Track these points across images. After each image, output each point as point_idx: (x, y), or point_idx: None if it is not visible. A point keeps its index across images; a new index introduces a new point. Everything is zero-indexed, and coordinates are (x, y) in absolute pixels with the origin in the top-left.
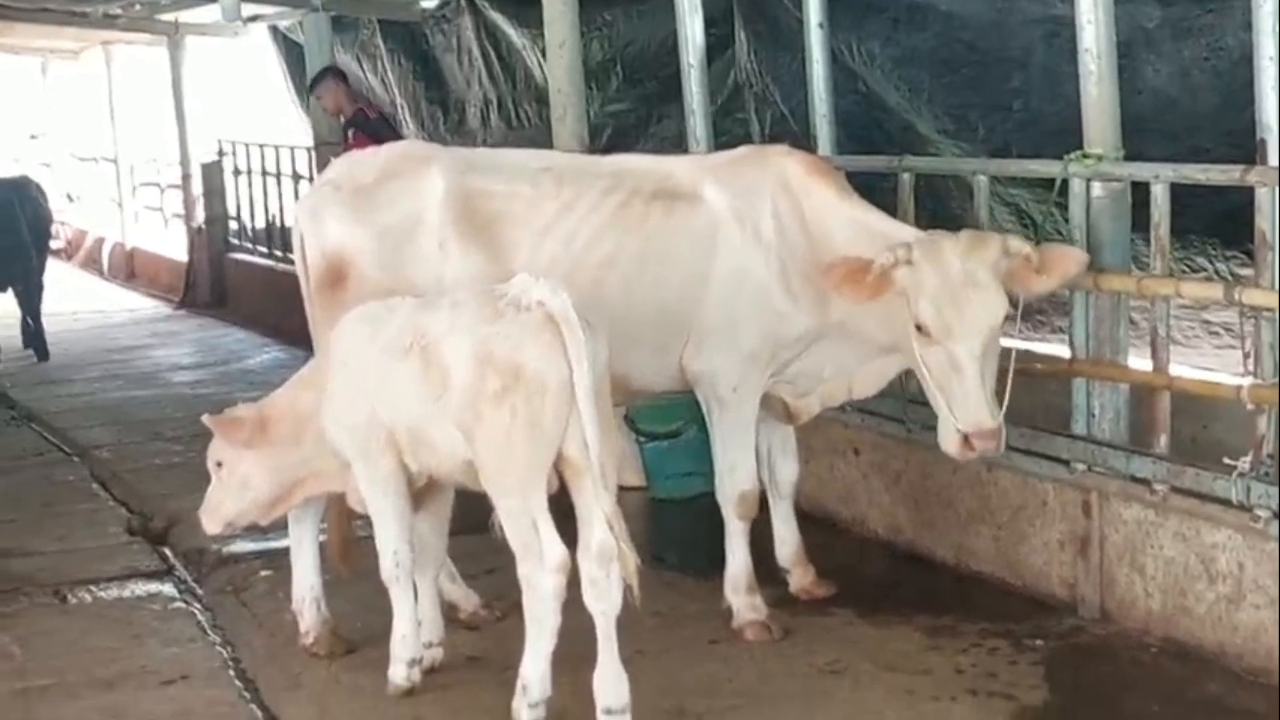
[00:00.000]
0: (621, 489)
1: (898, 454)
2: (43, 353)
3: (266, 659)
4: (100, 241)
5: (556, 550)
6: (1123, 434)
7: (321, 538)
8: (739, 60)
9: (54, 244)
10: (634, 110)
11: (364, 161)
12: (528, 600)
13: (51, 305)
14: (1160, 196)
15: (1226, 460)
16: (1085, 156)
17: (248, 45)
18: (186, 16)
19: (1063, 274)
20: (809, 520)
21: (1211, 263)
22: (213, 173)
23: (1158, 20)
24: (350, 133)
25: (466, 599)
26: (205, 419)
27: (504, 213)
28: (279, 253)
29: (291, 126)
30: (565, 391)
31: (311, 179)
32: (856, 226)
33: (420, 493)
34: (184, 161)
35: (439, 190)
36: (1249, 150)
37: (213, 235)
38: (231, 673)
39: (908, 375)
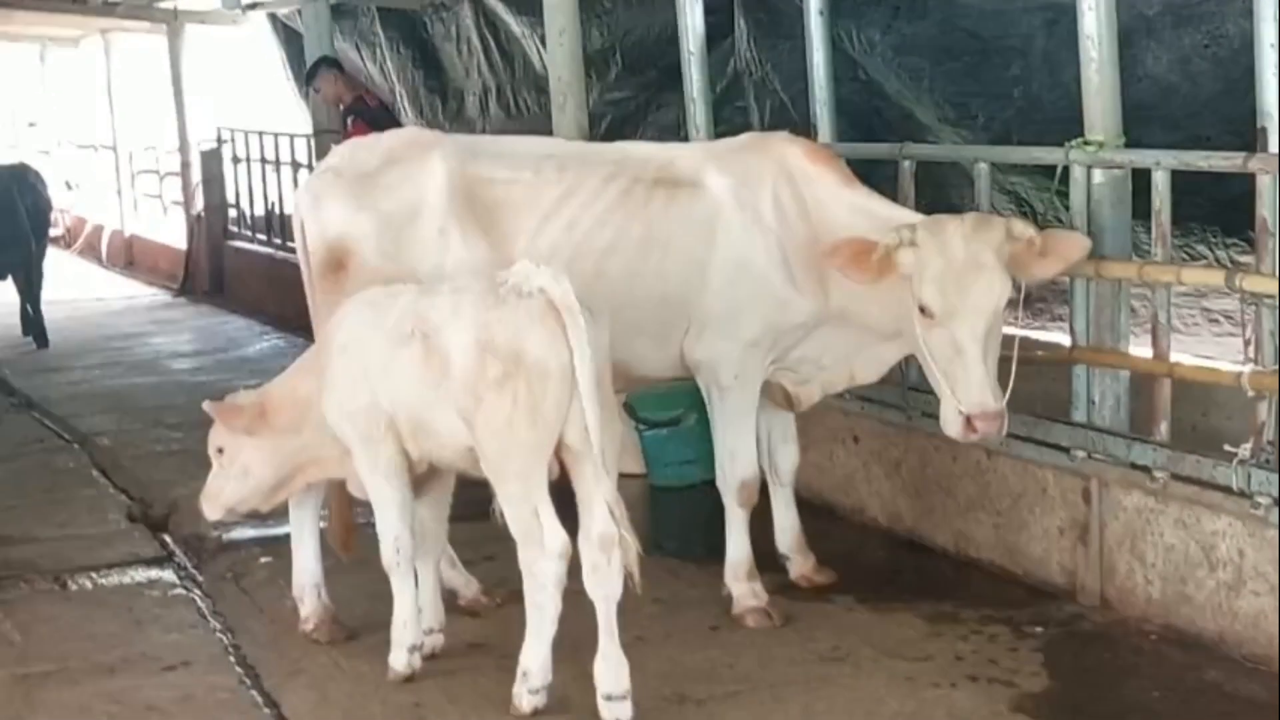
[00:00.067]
0: (621, 476)
1: (897, 441)
2: (42, 340)
3: (267, 645)
4: (99, 229)
5: (558, 536)
6: (1123, 421)
7: (322, 524)
8: (738, 48)
9: (53, 232)
10: (633, 98)
11: (365, 148)
12: (529, 586)
13: (51, 293)
14: (1161, 183)
15: (1227, 447)
16: (1086, 143)
17: (247, 33)
18: (185, 4)
19: (1065, 258)
20: (808, 508)
21: (1211, 250)
22: (212, 160)
23: (1158, 7)
24: (349, 120)
25: (466, 585)
26: (206, 406)
27: (505, 200)
28: (278, 240)
29: (291, 114)
30: (566, 378)
31: (311, 167)
32: (859, 212)
33: (421, 479)
34: (183, 149)
35: (440, 177)
36: (1249, 138)
37: (212, 223)
38: (232, 659)
39: (908, 362)
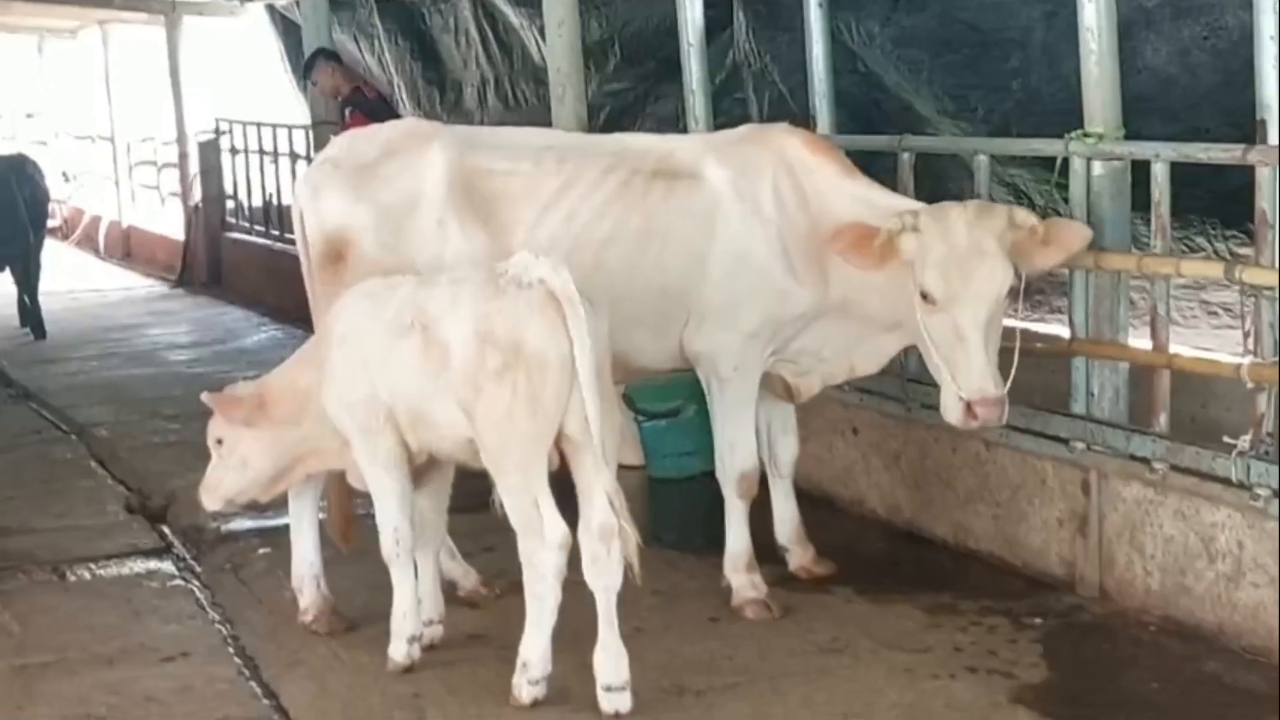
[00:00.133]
0: (619, 468)
1: (896, 433)
2: (40, 331)
3: (266, 636)
4: (97, 220)
5: (557, 527)
6: (1122, 413)
7: (321, 516)
8: (737, 40)
9: (50, 223)
10: (631, 90)
11: (364, 139)
12: (528, 577)
13: (48, 284)
14: (1160, 175)
15: (1226, 439)
16: (1086, 135)
17: (245, 24)
18: None
19: (1067, 248)
20: (807, 499)
21: (1210, 242)
22: (209, 152)
23: None
24: (347, 112)
25: (466, 576)
26: (205, 397)
27: (505, 191)
28: (276, 232)
29: (289, 106)
30: (566, 369)
31: (309, 158)
32: (859, 202)
33: (420, 470)
34: (181, 140)
35: (439, 168)
36: (1249, 130)
37: (209, 214)
38: (231, 650)
39: (907, 354)
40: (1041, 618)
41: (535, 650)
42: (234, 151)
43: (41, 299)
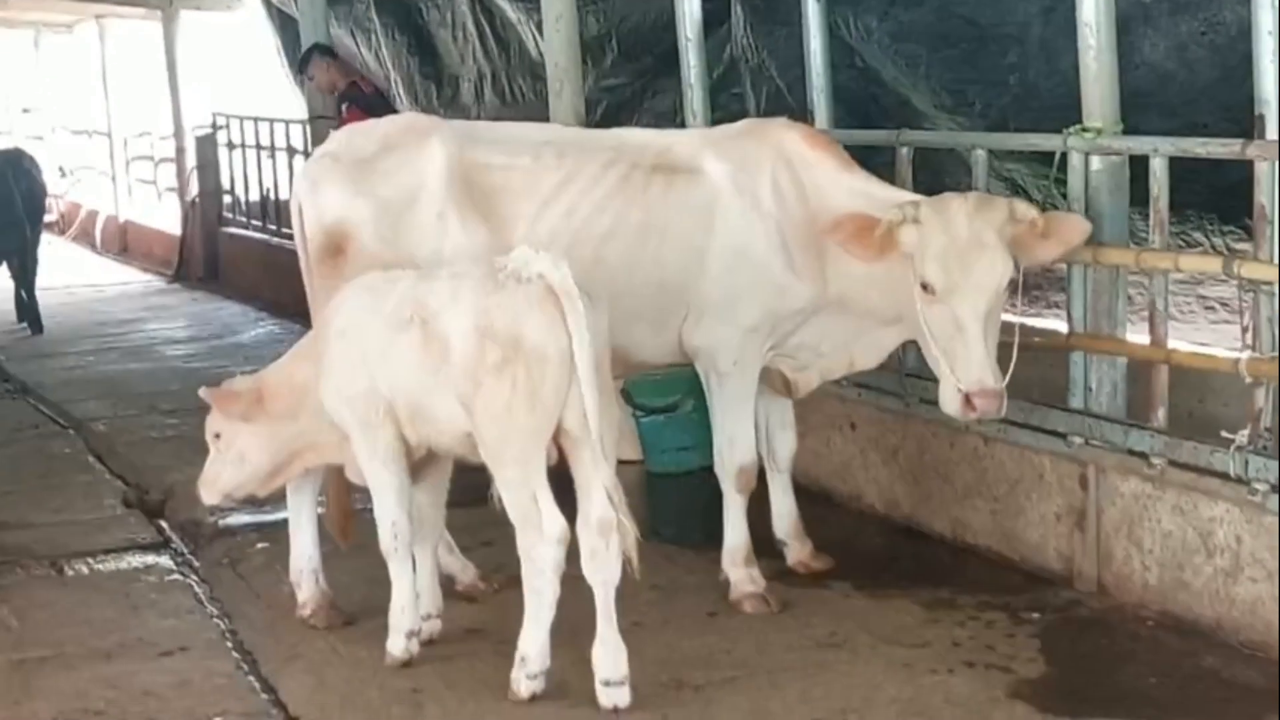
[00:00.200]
0: (618, 463)
1: (894, 428)
2: (37, 326)
3: (264, 630)
4: (94, 215)
5: (556, 522)
6: (1120, 408)
7: (320, 510)
8: (734, 35)
9: (47, 218)
10: (629, 85)
11: (364, 133)
12: (527, 572)
13: (45, 279)
14: (1159, 170)
15: (1224, 434)
16: (1085, 130)
17: (242, 19)
18: None
19: (1067, 241)
20: (805, 494)
21: (1208, 237)
22: (206, 146)
23: None
24: (344, 107)
25: (464, 571)
26: (202, 392)
27: (504, 185)
28: (273, 227)
29: (287, 100)
30: (565, 363)
31: (306, 153)
32: (858, 196)
33: (419, 464)
34: (178, 135)
35: (439, 162)
36: (1247, 124)
37: (206, 209)
38: (229, 644)
39: (905, 349)
40: (1039, 613)
41: (534, 645)
42: (231, 146)
43: (38, 294)
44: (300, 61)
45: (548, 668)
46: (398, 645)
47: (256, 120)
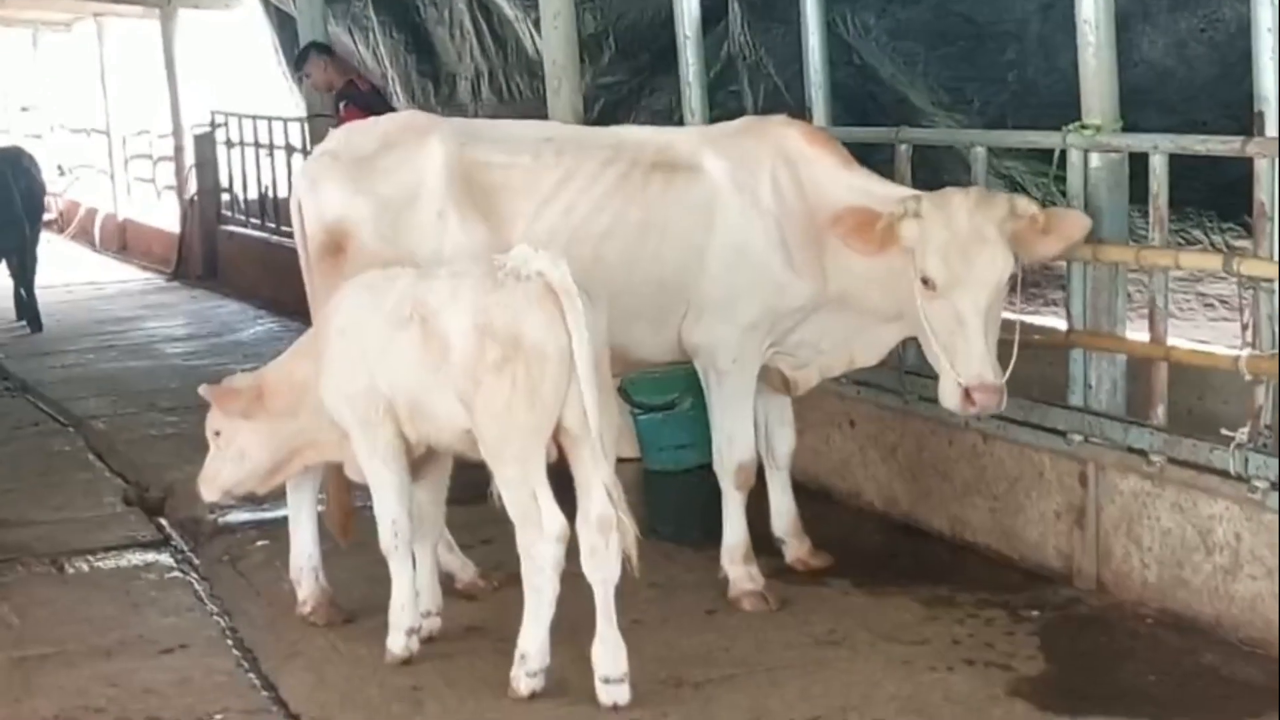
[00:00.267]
0: (616, 461)
1: (893, 426)
2: (36, 324)
3: (264, 628)
4: (92, 213)
5: (556, 520)
6: (1119, 405)
7: (320, 508)
8: (732, 32)
9: (46, 216)
10: (625, 83)
11: (363, 131)
12: (526, 570)
13: (44, 277)
14: (1159, 167)
15: (1224, 431)
16: (1084, 127)
17: (240, 17)
18: None
19: (1068, 237)
20: (804, 492)
21: (1207, 235)
22: (205, 144)
23: None
24: (341, 105)
25: (463, 568)
26: (202, 390)
27: (503, 184)
28: (272, 225)
29: (285, 99)
30: (565, 361)
31: (305, 151)
32: (858, 193)
33: (419, 462)
34: (176, 133)
35: (438, 161)
36: (1246, 122)
37: (205, 207)
38: (229, 642)
39: (905, 346)
40: (1039, 610)
41: (533, 642)
42: (230, 144)
43: (38, 292)
44: (297, 59)
45: (547, 665)
46: (398, 643)
47: (255, 118)
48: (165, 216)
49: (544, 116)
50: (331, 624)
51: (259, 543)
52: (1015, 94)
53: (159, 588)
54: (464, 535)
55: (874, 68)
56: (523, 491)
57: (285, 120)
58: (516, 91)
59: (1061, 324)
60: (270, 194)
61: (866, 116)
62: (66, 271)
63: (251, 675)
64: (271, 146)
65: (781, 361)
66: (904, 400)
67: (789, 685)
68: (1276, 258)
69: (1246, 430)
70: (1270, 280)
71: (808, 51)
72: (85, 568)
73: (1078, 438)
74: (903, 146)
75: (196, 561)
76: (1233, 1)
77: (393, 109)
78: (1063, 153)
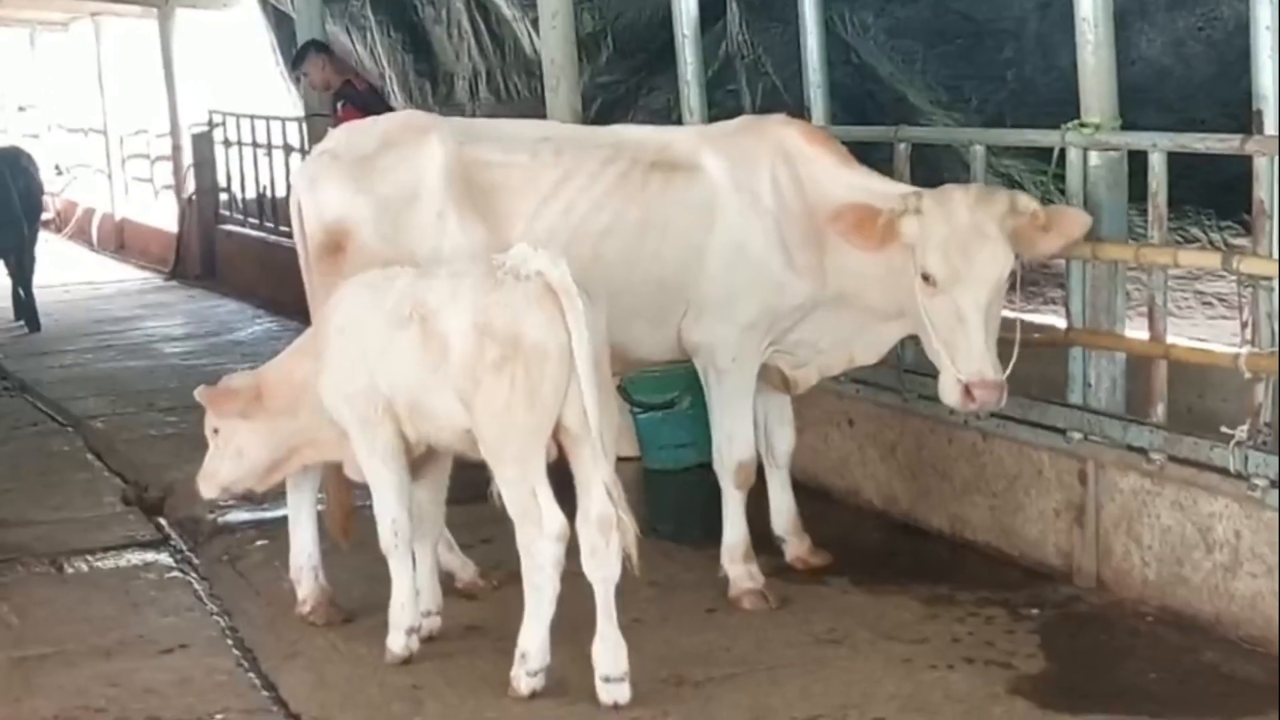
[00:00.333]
0: (616, 459)
1: (892, 424)
2: (34, 324)
3: (264, 628)
4: (90, 213)
5: (556, 518)
6: (1119, 403)
7: (320, 507)
8: (730, 31)
9: (44, 216)
10: (623, 82)
11: (363, 131)
12: (527, 569)
13: (42, 277)
14: (1158, 165)
15: (1224, 429)
16: (1083, 125)
17: (238, 17)
18: None
19: (1068, 234)
20: (803, 491)
21: (1205, 233)
22: (203, 144)
23: None
24: (339, 105)
25: (463, 568)
26: (198, 393)
27: (503, 183)
28: (270, 224)
29: (283, 98)
30: (564, 360)
31: (303, 150)
32: (858, 191)
33: (418, 461)
34: (174, 133)
35: (438, 160)
36: (1244, 120)
37: (203, 207)
38: (229, 641)
39: (903, 345)
40: (1039, 608)
41: (534, 641)
42: (227, 144)
43: (36, 292)
44: (296, 57)
45: (548, 664)
46: (398, 642)
47: (253, 118)
48: (163, 216)
49: (542, 116)
50: (331, 623)
51: (258, 542)
52: (1014, 92)
53: (158, 587)
54: (464, 534)
55: (872, 66)
56: (523, 490)
57: (283, 120)
58: (514, 91)
59: (1061, 322)
60: (268, 193)
61: (865, 115)
62: (64, 271)
63: (251, 675)
64: (269, 146)
65: (781, 360)
66: (903, 399)
67: (789, 684)
68: (1275, 256)
69: (1246, 428)
70: (1269, 278)
71: (806, 50)
72: (85, 568)
73: (1077, 436)
74: (901, 145)
75: (196, 561)
76: (1230, 0)
77: (390, 109)
78: (1062, 151)
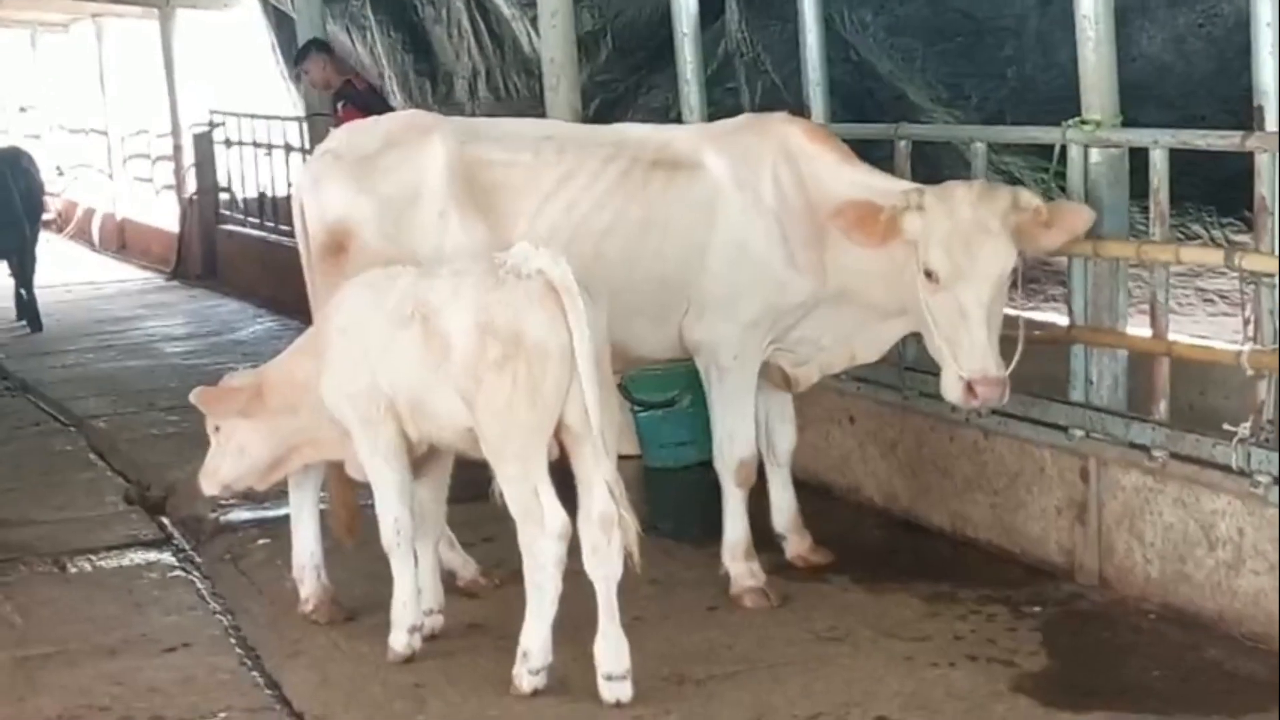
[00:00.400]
0: (617, 458)
1: (893, 422)
2: (36, 324)
3: (267, 626)
4: (91, 213)
5: (557, 517)
6: (1121, 400)
7: (322, 506)
8: (729, 29)
9: (45, 216)
10: (623, 81)
11: (365, 131)
12: (528, 567)
13: (43, 277)
14: (1159, 162)
15: (1226, 426)
16: (1084, 123)
17: (238, 17)
18: None
19: (1070, 230)
20: (804, 488)
21: (1207, 230)
22: (204, 144)
23: None
24: (339, 105)
25: (465, 566)
26: (193, 397)
27: (504, 182)
28: (270, 224)
29: (283, 98)
30: (566, 359)
31: (303, 150)
32: (860, 189)
33: (420, 460)
34: (175, 133)
35: (440, 159)
36: (1245, 116)
37: (204, 207)
38: (232, 640)
39: (904, 342)
40: (1041, 606)
41: (536, 640)
42: (228, 144)
43: (37, 292)
44: (297, 56)
45: (550, 663)
46: (400, 640)
47: (253, 118)
48: (164, 216)
49: (541, 115)
50: (334, 622)
51: (261, 541)
52: (1014, 90)
53: (161, 586)
54: (465, 533)
55: (872, 64)
56: (524, 489)
57: (284, 120)
58: (514, 90)
59: (1062, 320)
60: (269, 193)
61: (864, 113)
62: (66, 271)
63: (254, 674)
64: (270, 146)
65: (782, 358)
66: (904, 396)
67: (791, 682)
68: (1277, 252)
69: (1248, 425)
70: (1271, 275)
71: (805, 48)
72: (87, 567)
73: (1079, 433)
74: (902, 143)
75: (198, 560)
76: None
77: (391, 108)
78: (1063, 148)
